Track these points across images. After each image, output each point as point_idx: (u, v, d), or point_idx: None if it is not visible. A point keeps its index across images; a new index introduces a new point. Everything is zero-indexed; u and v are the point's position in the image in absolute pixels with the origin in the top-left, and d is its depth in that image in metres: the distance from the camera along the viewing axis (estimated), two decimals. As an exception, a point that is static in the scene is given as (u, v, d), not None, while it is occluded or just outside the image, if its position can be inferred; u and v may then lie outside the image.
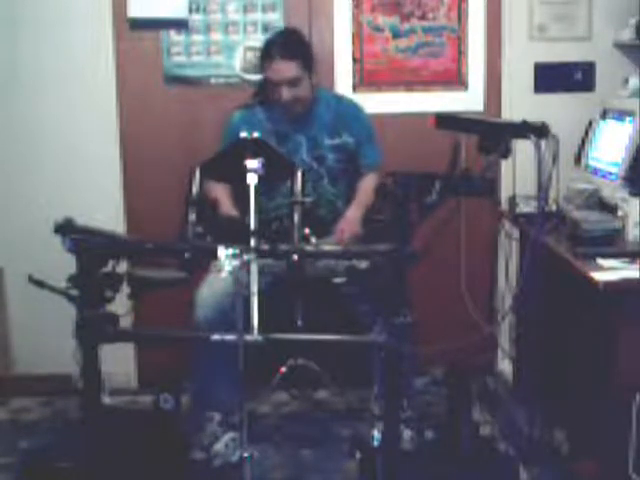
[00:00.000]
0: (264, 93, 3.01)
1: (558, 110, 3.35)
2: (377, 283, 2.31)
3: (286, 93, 2.88)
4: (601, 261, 2.43)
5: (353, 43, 3.44)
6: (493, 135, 2.04)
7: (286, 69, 2.86)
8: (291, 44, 2.94)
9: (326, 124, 3.03)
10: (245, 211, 2.14)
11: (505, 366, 3.53)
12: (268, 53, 2.91)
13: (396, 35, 3.44)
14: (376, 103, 3.39)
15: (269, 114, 3.01)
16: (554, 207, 2.71)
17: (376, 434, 2.49)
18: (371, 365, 2.90)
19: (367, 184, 3.04)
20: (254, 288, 2.09)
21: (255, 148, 2.17)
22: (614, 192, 2.85)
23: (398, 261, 2.08)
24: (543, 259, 2.09)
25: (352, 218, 2.96)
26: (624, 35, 3.31)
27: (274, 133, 2.96)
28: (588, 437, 2.62)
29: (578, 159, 3.26)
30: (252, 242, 2.09)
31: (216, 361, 2.75)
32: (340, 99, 3.19)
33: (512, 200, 3.02)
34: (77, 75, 3.37)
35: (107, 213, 3.36)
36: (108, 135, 3.43)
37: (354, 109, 3.13)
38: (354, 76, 3.46)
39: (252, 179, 2.14)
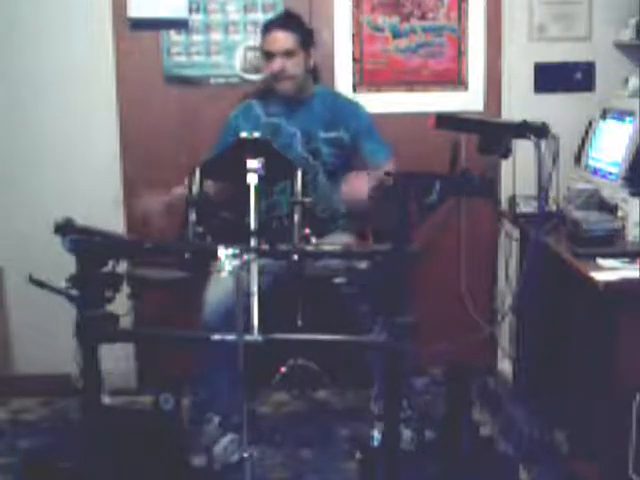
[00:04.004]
0: (267, 85, 3.08)
1: (558, 110, 3.35)
2: (377, 283, 2.31)
3: (279, 63, 2.95)
4: (601, 261, 2.43)
5: (353, 43, 3.44)
6: (493, 135, 2.04)
7: (282, 39, 2.95)
8: (290, 19, 3.04)
9: (321, 118, 3.04)
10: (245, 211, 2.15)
11: (505, 366, 3.53)
12: (267, 26, 3.03)
13: (396, 35, 3.44)
14: (376, 103, 3.39)
15: (266, 108, 3.06)
16: (554, 207, 2.71)
17: (376, 434, 2.49)
18: (371, 365, 2.92)
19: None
20: (254, 288, 2.09)
21: (255, 148, 2.17)
22: (614, 192, 2.85)
23: (399, 261, 2.08)
24: (543, 259, 2.09)
25: (359, 177, 2.73)
26: (624, 35, 3.31)
27: (269, 125, 3.01)
28: (588, 437, 2.62)
29: (578, 159, 3.26)
30: (252, 242, 2.09)
31: (217, 361, 2.75)
32: (338, 95, 3.23)
33: (512, 200, 3.02)
34: (77, 75, 3.37)
35: (107, 213, 3.36)
36: (108, 135, 3.43)
37: (352, 106, 3.14)
38: (354, 76, 3.46)
39: (252, 179, 2.14)
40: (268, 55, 2.98)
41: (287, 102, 3.04)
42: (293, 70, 2.96)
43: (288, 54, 2.94)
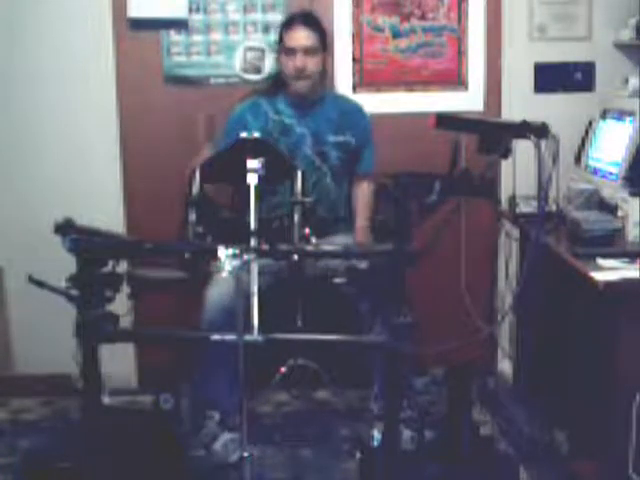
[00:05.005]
0: (276, 83, 3.08)
1: (558, 110, 3.35)
2: (377, 283, 2.31)
3: (300, 59, 2.94)
4: (601, 261, 2.43)
5: (353, 43, 3.44)
6: (493, 135, 2.04)
7: (305, 36, 2.95)
8: (313, 18, 3.05)
9: (331, 121, 3.05)
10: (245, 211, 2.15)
11: (505, 366, 3.53)
12: (290, 22, 3.03)
13: (396, 35, 3.44)
14: (376, 103, 3.39)
15: (274, 106, 3.05)
16: (554, 207, 2.71)
17: (376, 434, 2.49)
18: (371, 365, 2.91)
19: (366, 192, 3.09)
20: (254, 288, 2.09)
21: (255, 148, 2.17)
22: (614, 192, 2.85)
23: (398, 261, 2.08)
24: (543, 259, 2.09)
25: (363, 229, 3.01)
26: (624, 35, 3.31)
27: (278, 124, 3.00)
28: (588, 437, 2.62)
29: (578, 159, 3.26)
30: (252, 242, 2.09)
31: (217, 361, 2.75)
32: (346, 99, 3.23)
33: (512, 200, 3.02)
34: (77, 75, 3.37)
35: (107, 213, 3.36)
36: (108, 135, 3.43)
37: (359, 111, 3.14)
38: (354, 76, 3.46)
39: (252, 179, 2.14)
40: (289, 51, 2.97)
41: (298, 103, 3.03)
42: (312, 69, 2.96)
43: (309, 52, 2.94)
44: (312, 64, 2.95)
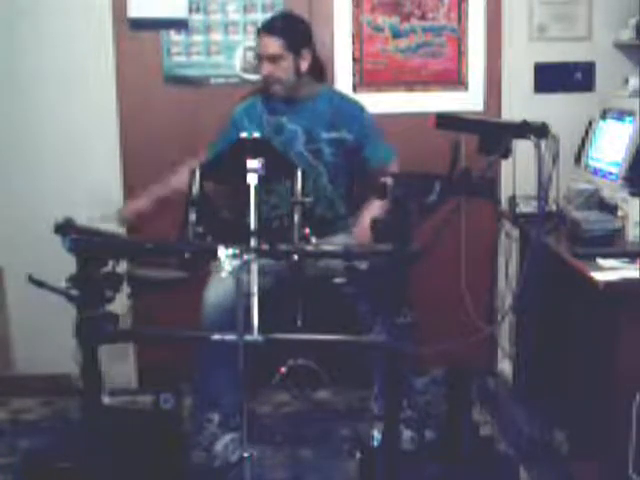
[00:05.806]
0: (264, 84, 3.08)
1: (558, 110, 3.35)
2: (377, 283, 2.31)
3: (265, 68, 2.95)
4: (601, 261, 2.43)
5: (353, 43, 3.44)
6: (493, 135, 2.04)
7: (267, 44, 2.93)
8: (278, 23, 3.00)
9: (324, 118, 3.03)
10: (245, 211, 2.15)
11: (505, 366, 3.53)
12: (258, 30, 3.03)
13: (396, 35, 3.44)
14: (376, 103, 3.38)
15: (267, 105, 3.05)
16: (554, 207, 2.71)
17: (376, 434, 2.49)
18: (371, 365, 2.92)
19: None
20: (254, 288, 2.09)
21: (255, 148, 2.17)
22: (614, 192, 2.85)
23: (398, 261, 2.08)
24: (543, 259, 2.09)
25: (363, 226, 2.95)
26: (624, 35, 3.31)
27: (271, 124, 3.00)
28: (588, 437, 2.62)
29: (578, 159, 3.26)
30: (252, 242, 2.09)
31: (217, 361, 2.75)
32: (344, 97, 3.20)
33: (512, 200, 3.02)
34: (77, 75, 3.37)
35: (107, 213, 3.36)
36: (108, 135, 3.43)
37: (356, 108, 3.11)
38: (354, 76, 3.46)
39: (252, 179, 2.14)
40: (258, 58, 3.00)
41: (290, 101, 3.03)
42: (279, 74, 2.94)
43: (273, 59, 2.92)
44: (278, 71, 2.94)
